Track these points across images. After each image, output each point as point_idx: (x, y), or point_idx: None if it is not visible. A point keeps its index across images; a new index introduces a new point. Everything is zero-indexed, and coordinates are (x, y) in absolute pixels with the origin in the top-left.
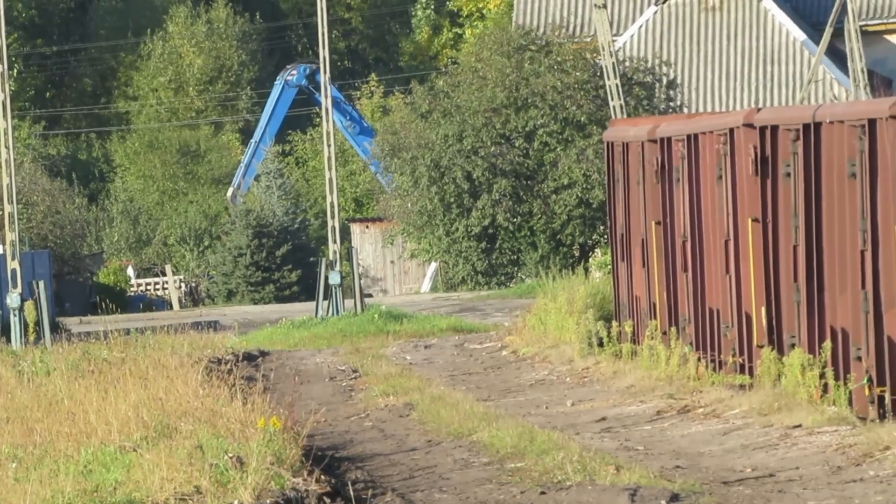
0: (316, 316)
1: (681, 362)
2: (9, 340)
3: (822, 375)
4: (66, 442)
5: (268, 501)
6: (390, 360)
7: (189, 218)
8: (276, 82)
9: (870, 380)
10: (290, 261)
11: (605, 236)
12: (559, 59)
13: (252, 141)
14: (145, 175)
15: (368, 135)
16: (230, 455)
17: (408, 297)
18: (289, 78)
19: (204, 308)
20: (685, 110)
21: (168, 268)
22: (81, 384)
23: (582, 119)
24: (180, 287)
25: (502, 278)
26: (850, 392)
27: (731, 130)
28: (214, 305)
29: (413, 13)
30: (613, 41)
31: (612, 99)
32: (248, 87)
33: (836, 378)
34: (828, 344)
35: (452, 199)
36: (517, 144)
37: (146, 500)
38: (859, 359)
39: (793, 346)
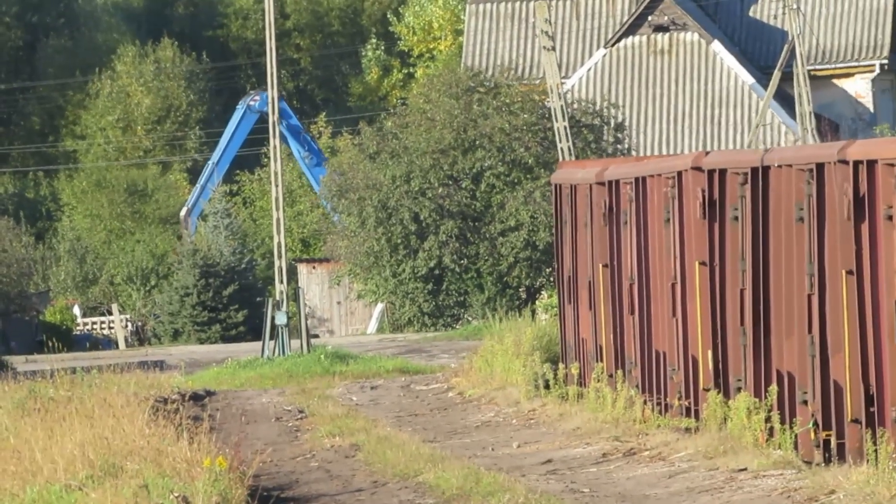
0: (262, 356)
1: (627, 405)
2: None
3: (767, 419)
4: (12, 480)
5: None
6: (336, 400)
7: (136, 257)
8: (238, 106)
9: (815, 424)
10: (236, 301)
11: (552, 278)
12: (507, 100)
13: (210, 162)
14: (93, 214)
15: (322, 170)
16: (176, 494)
17: (354, 337)
18: (251, 103)
19: (150, 347)
20: (633, 153)
21: (114, 307)
22: (27, 422)
23: (529, 161)
24: (126, 326)
25: (449, 320)
26: (796, 436)
27: (679, 174)
28: (161, 345)
29: (363, 53)
30: (562, 83)
31: (560, 141)
32: (197, 127)
33: (782, 422)
34: (774, 388)
35: (399, 241)
36: (464, 186)
37: None
38: (805, 403)
39: (739, 389)
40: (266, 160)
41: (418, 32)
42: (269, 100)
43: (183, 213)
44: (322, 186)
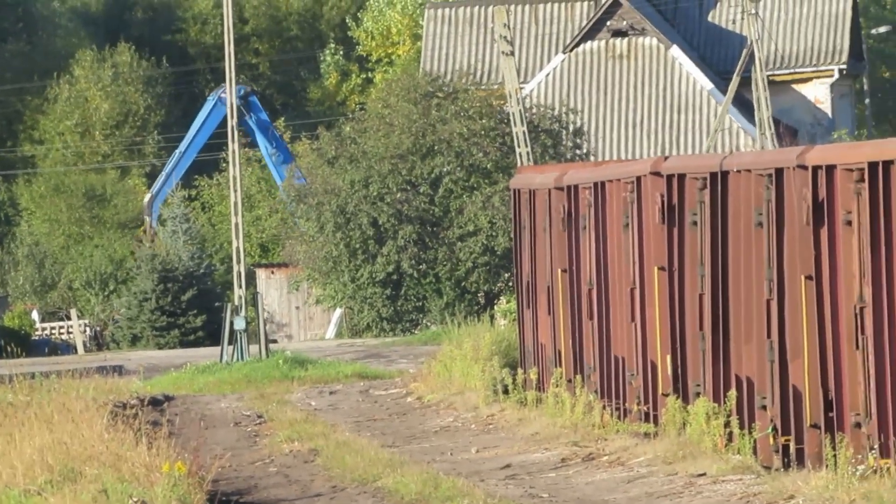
0: (221, 361)
1: (586, 410)
2: None
3: (726, 424)
4: None
5: None
6: (295, 405)
7: (94, 262)
8: (208, 98)
9: (774, 429)
10: (195, 306)
11: (510, 283)
12: (466, 105)
13: (177, 151)
14: (51, 219)
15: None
16: (135, 499)
17: (313, 342)
18: (223, 95)
19: (109, 352)
20: (592, 158)
21: (73, 312)
22: None
23: (488, 166)
24: (85, 331)
25: (407, 325)
26: (755, 441)
27: (639, 179)
28: (119, 350)
29: (322, 58)
30: (521, 88)
31: (519, 146)
32: (155, 132)
33: (741, 427)
34: (733, 393)
35: (358, 246)
36: (423, 191)
37: None
38: (764, 408)
39: (698, 394)
40: (225, 165)
41: (377, 37)
42: (228, 104)
43: (146, 199)
44: (282, 190)
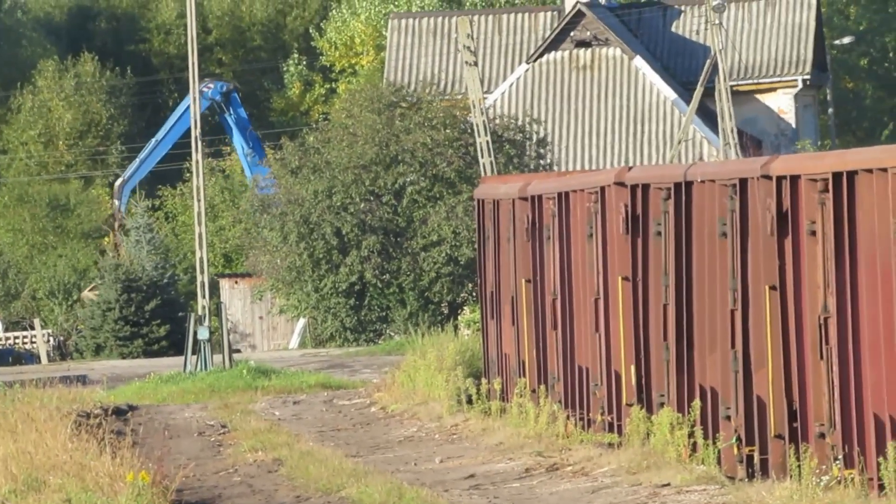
0: (184, 371)
1: (550, 420)
2: None
3: (691, 434)
4: None
5: None
6: (259, 415)
7: (58, 272)
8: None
9: (738, 439)
10: (158, 315)
11: (474, 294)
12: (429, 115)
13: (153, 140)
14: (14, 228)
15: (263, 170)
16: None
17: (276, 352)
18: (204, 89)
19: (72, 362)
20: (556, 168)
21: (37, 321)
22: None
23: (452, 176)
24: (49, 341)
25: (371, 335)
26: (719, 451)
27: (602, 189)
28: (83, 360)
29: (285, 69)
30: (484, 98)
31: (483, 156)
32: (119, 142)
33: (706, 437)
34: (697, 403)
35: (321, 256)
36: (386, 201)
37: None
38: (728, 418)
39: (662, 404)
40: (188, 175)
41: (340, 48)
42: (192, 114)
43: (118, 183)
44: (246, 200)
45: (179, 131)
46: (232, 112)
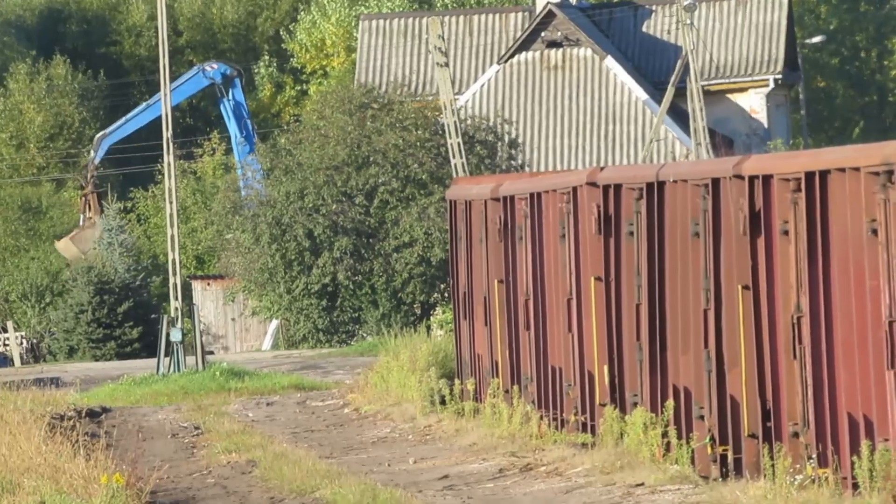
0: (157, 373)
1: (523, 420)
2: None
3: (664, 434)
4: None
5: None
6: (232, 417)
7: (31, 275)
8: (194, 67)
9: (712, 439)
10: (131, 317)
11: (447, 294)
12: (401, 117)
13: (144, 103)
14: None
15: (254, 163)
16: None
17: (249, 354)
18: (207, 68)
19: (45, 364)
20: (528, 169)
21: (9, 324)
22: None
23: (423, 177)
24: (22, 343)
25: (343, 336)
26: (693, 451)
27: (575, 189)
28: (56, 362)
29: (256, 70)
30: (456, 99)
31: (454, 157)
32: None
33: (679, 437)
34: (670, 403)
35: (294, 257)
36: (358, 202)
37: None
38: (702, 418)
39: (635, 404)
40: (160, 177)
41: (311, 50)
42: (164, 115)
43: (98, 135)
44: (218, 202)
45: (173, 101)
46: (231, 98)
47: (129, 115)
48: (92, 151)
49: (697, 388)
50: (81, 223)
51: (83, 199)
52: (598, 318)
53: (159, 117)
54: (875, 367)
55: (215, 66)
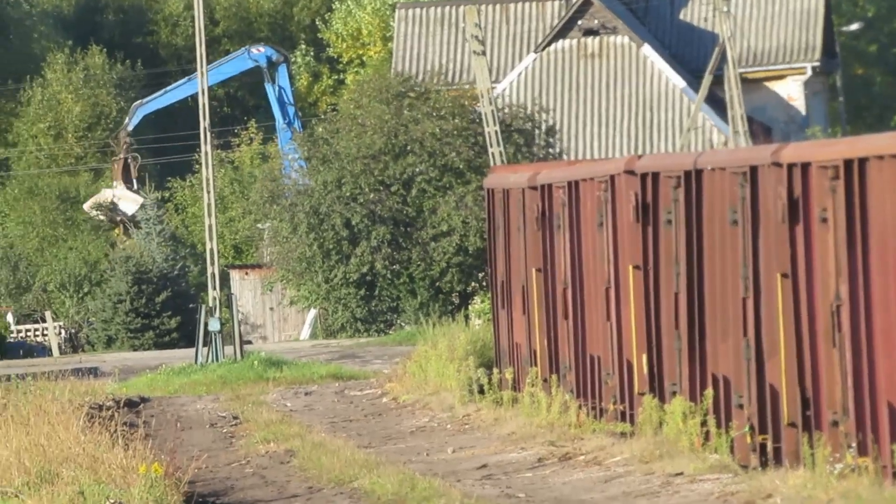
0: (196, 362)
1: (562, 410)
2: None
3: (703, 423)
4: None
5: None
6: (271, 406)
7: (69, 264)
8: (241, 49)
9: (751, 428)
10: (169, 307)
11: (484, 283)
12: (438, 105)
13: (186, 77)
14: (25, 221)
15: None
16: (112, 501)
17: (287, 343)
18: (253, 50)
19: (84, 354)
20: (564, 157)
21: (48, 314)
22: None
23: (460, 166)
24: (60, 333)
25: (382, 325)
26: (732, 440)
27: (612, 177)
28: (94, 352)
29: (292, 60)
30: (493, 88)
31: (492, 146)
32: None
33: (718, 426)
34: (709, 391)
35: (331, 246)
36: (395, 191)
37: None
38: (741, 406)
39: (674, 393)
40: (198, 167)
41: (347, 39)
42: (200, 105)
43: (135, 103)
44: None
45: (215, 77)
46: (277, 83)
47: (167, 88)
48: (127, 118)
49: (736, 376)
50: (115, 188)
51: (115, 164)
52: (636, 306)
53: (196, 97)
54: None
55: (262, 48)
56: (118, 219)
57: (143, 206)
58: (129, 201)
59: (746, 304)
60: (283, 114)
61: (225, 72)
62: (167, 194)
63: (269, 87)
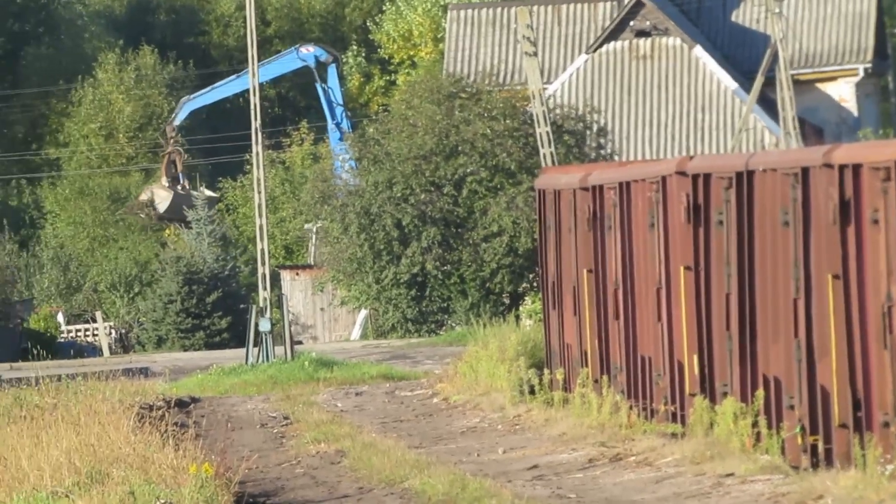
0: (246, 363)
1: (612, 410)
2: None
3: (754, 424)
4: None
5: None
6: (321, 406)
7: (119, 265)
8: (291, 48)
9: (802, 428)
10: (220, 307)
11: (535, 284)
12: (489, 106)
13: (235, 74)
14: (76, 221)
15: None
16: (162, 501)
17: (338, 344)
18: (302, 50)
19: (134, 354)
20: (616, 158)
21: (98, 314)
22: (13, 430)
23: (511, 167)
24: (110, 333)
25: (432, 326)
26: (783, 441)
27: (664, 178)
28: (145, 352)
29: (344, 60)
30: (544, 89)
31: (543, 146)
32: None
33: (769, 427)
34: (760, 392)
35: (382, 247)
36: (446, 192)
37: None
38: (792, 407)
39: (725, 394)
40: (249, 167)
41: (398, 40)
42: (252, 105)
43: (183, 98)
44: (306, 192)
45: (264, 76)
46: (327, 84)
47: (216, 84)
48: (177, 112)
49: (787, 377)
50: (165, 183)
51: (165, 161)
52: (687, 307)
53: (246, 96)
54: None
55: (311, 48)
56: (149, 214)
57: (193, 206)
58: (162, 199)
59: (797, 305)
60: (332, 114)
61: (273, 71)
62: (218, 194)
63: (319, 87)
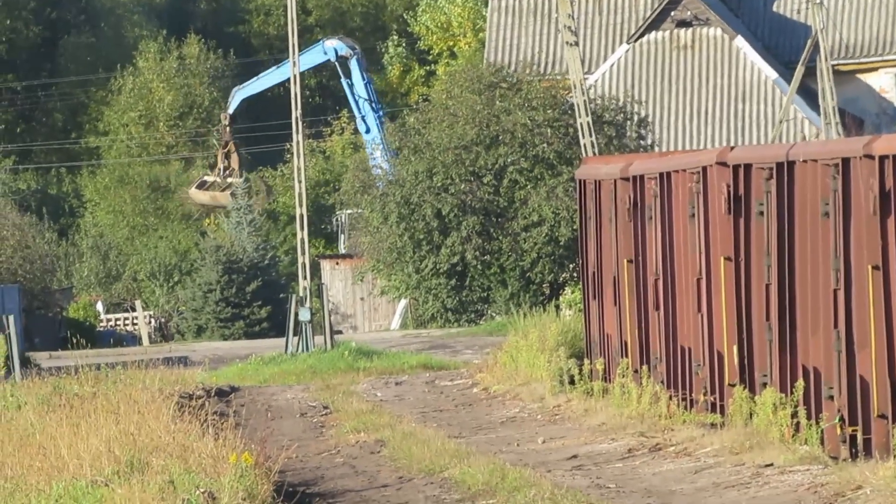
0: (286, 352)
1: (652, 400)
2: None
3: (794, 414)
4: (38, 476)
5: None
6: (361, 396)
7: (159, 253)
8: (319, 41)
9: (842, 419)
10: (259, 297)
11: (575, 274)
12: (529, 96)
13: (284, 61)
14: (115, 210)
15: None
16: (202, 490)
17: (378, 333)
18: (328, 44)
19: (174, 343)
20: (656, 148)
21: (138, 303)
22: (52, 418)
23: (551, 157)
24: (150, 322)
25: (472, 315)
26: (823, 431)
27: (704, 169)
28: (184, 341)
29: (385, 50)
30: (585, 79)
31: (583, 136)
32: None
33: (809, 417)
34: (800, 383)
35: (422, 236)
36: (487, 181)
37: None
38: (831, 398)
39: (765, 384)
40: (289, 156)
41: (436, 31)
42: (293, 95)
43: (235, 89)
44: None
45: (307, 64)
46: (351, 79)
47: (263, 73)
48: (228, 100)
49: (827, 368)
50: (220, 174)
51: (220, 152)
52: (727, 297)
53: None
54: None
55: (334, 42)
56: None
57: (232, 194)
58: (199, 190)
59: (837, 295)
60: (358, 108)
61: (304, 63)
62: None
63: (343, 82)
